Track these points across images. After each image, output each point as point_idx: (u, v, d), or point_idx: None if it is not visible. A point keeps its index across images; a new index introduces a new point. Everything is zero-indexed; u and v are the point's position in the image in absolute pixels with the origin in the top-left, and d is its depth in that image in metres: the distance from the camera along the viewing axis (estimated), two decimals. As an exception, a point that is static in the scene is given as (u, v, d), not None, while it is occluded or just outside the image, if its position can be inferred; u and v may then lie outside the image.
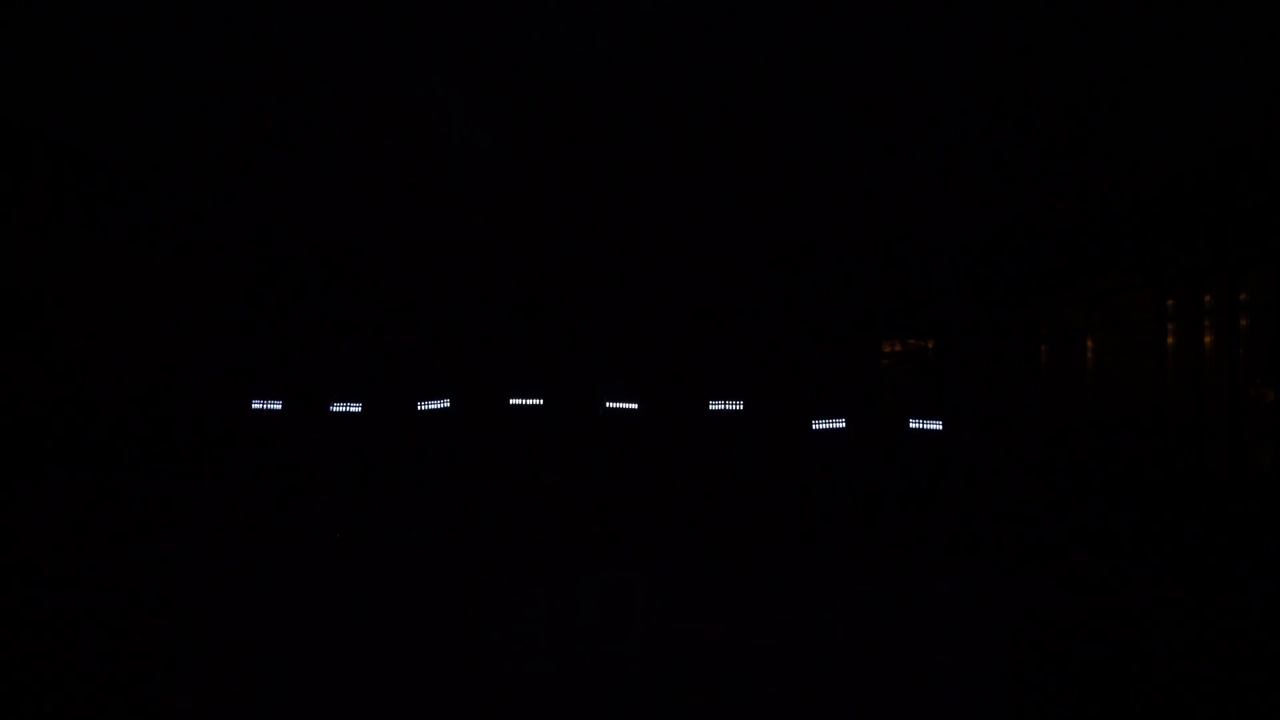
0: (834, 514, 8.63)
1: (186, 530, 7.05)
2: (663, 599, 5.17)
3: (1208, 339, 8.26)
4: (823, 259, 12.01)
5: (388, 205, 9.56)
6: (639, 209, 9.62)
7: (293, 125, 6.95)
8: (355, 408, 10.62)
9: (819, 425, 10.03)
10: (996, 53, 5.50)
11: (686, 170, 8.11)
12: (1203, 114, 6.52)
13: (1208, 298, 8.31)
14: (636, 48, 5.47)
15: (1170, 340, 8.90)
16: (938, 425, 9.82)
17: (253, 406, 10.21)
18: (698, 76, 5.93)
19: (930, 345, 12.27)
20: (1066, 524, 7.95)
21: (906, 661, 4.05)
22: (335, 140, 7.32)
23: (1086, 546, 6.92)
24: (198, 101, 6.47)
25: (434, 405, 11.04)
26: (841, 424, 10.09)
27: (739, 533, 7.57)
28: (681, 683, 3.75)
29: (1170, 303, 8.91)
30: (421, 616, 4.74)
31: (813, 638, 4.44)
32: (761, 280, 12.25)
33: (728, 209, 9.59)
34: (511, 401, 11.67)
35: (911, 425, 9.91)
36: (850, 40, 5.33)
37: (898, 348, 12.68)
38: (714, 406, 11.21)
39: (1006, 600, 5.21)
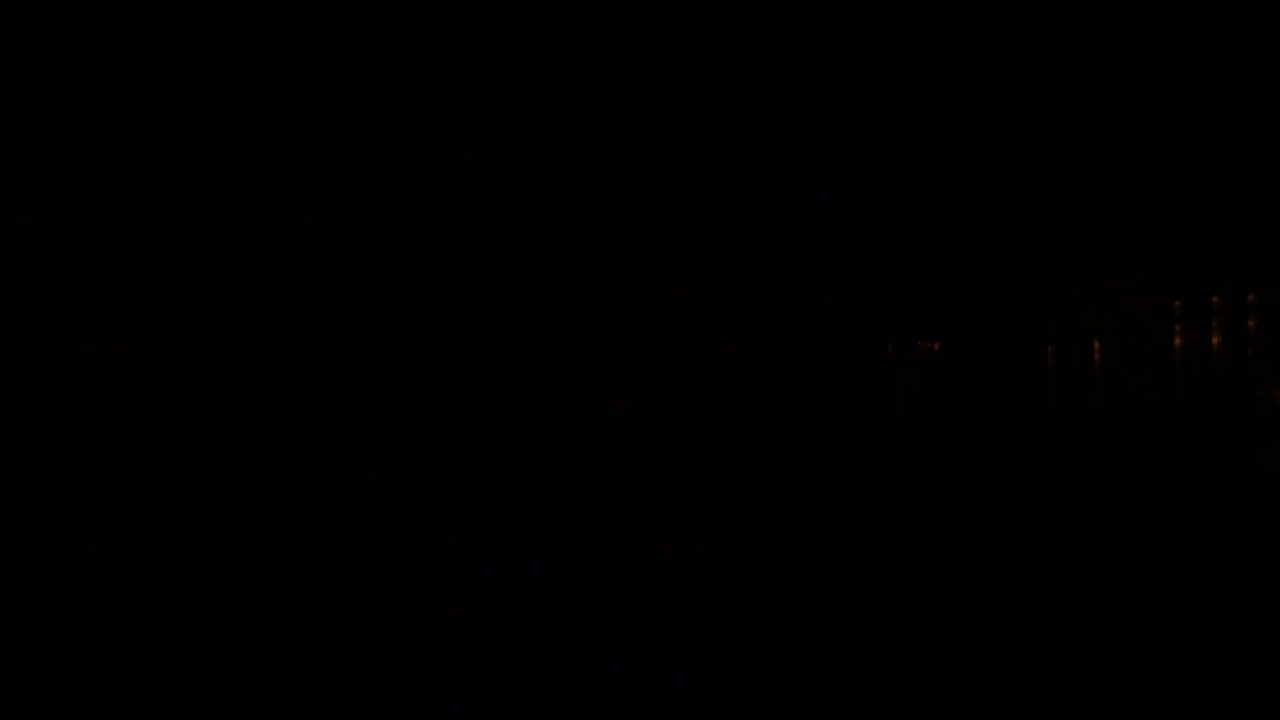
0: (838, 515, 8.62)
1: (191, 536, 7.11)
2: (660, 604, 5.18)
3: (1216, 340, 8.22)
4: (829, 261, 12.01)
5: (395, 208, 9.62)
6: (642, 210, 9.64)
7: (297, 124, 7.01)
8: (362, 411, 10.68)
9: (824, 427, 10.02)
10: (1002, 51, 5.50)
11: (686, 171, 8.13)
12: (1209, 113, 6.49)
13: (1216, 299, 8.27)
14: (635, 45, 5.49)
15: (1178, 341, 8.86)
16: (944, 427, 9.79)
17: (258, 413, 10.28)
18: (698, 75, 5.94)
19: (937, 347, 12.24)
20: (1074, 526, 7.91)
21: (909, 662, 4.05)
22: (341, 140, 7.38)
23: (1094, 549, 6.89)
24: (203, 101, 6.53)
25: (437, 407, 11.09)
26: (847, 426, 10.07)
27: (741, 534, 7.57)
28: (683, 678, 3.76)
29: (1178, 304, 8.86)
30: (433, 616, 4.77)
31: (813, 638, 4.44)
32: (765, 282, 12.26)
33: (730, 210, 9.61)
34: (513, 404, 11.71)
35: (918, 427, 9.88)
36: (851, 38, 5.34)
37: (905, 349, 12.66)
38: (719, 407, 11.22)
39: (1013, 603, 5.19)
